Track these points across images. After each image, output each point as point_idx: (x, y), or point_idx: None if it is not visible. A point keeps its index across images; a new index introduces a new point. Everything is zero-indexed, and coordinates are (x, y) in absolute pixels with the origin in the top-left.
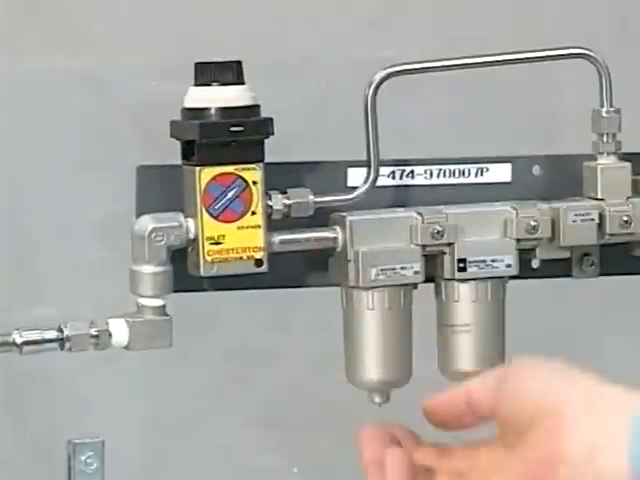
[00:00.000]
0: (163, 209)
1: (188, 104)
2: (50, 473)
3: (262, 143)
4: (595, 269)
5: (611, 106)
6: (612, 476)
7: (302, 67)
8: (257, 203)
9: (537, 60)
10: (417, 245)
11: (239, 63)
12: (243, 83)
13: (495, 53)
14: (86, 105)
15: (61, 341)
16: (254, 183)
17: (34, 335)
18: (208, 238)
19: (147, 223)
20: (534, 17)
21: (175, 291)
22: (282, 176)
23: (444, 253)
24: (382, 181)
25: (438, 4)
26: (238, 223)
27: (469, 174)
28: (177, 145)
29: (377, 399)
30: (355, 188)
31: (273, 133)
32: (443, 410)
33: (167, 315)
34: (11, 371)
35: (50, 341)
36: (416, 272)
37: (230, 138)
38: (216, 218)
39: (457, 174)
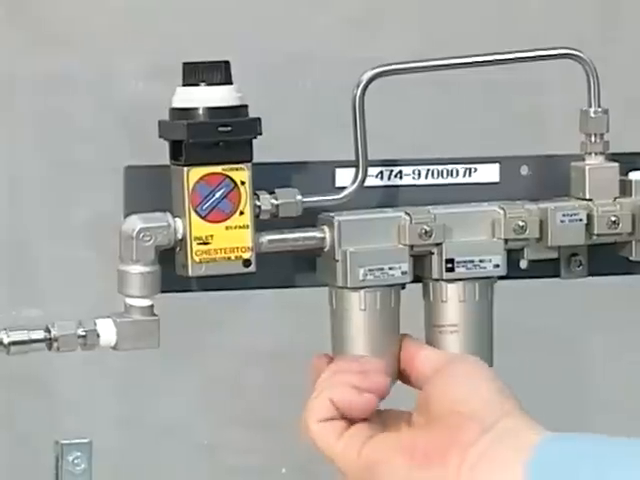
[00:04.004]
0: (151, 209)
1: (176, 104)
2: (38, 474)
3: (250, 143)
4: (583, 269)
5: (599, 106)
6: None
7: (290, 67)
8: (245, 203)
9: (525, 60)
10: (405, 245)
11: (227, 63)
12: (231, 83)
13: (483, 53)
14: (73, 106)
15: (49, 341)
16: (242, 183)
17: (21, 335)
18: (196, 238)
19: (135, 223)
20: (521, 17)
21: (163, 292)
22: (270, 176)
23: (432, 253)
24: (370, 181)
25: (425, 4)
26: (226, 223)
27: (457, 174)
28: (165, 145)
29: None
30: (343, 188)
31: (261, 133)
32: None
33: (155, 315)
34: None
35: (37, 341)
36: (404, 272)
37: (218, 138)
38: (204, 218)
39: (445, 174)
